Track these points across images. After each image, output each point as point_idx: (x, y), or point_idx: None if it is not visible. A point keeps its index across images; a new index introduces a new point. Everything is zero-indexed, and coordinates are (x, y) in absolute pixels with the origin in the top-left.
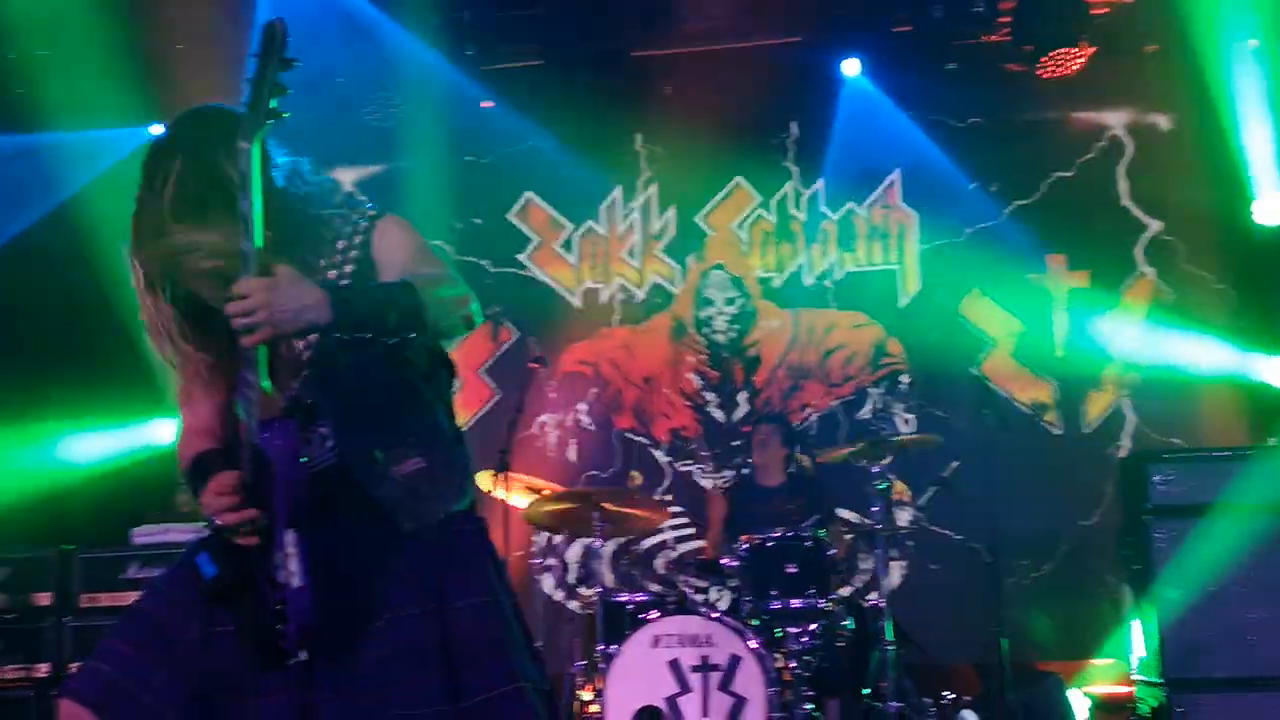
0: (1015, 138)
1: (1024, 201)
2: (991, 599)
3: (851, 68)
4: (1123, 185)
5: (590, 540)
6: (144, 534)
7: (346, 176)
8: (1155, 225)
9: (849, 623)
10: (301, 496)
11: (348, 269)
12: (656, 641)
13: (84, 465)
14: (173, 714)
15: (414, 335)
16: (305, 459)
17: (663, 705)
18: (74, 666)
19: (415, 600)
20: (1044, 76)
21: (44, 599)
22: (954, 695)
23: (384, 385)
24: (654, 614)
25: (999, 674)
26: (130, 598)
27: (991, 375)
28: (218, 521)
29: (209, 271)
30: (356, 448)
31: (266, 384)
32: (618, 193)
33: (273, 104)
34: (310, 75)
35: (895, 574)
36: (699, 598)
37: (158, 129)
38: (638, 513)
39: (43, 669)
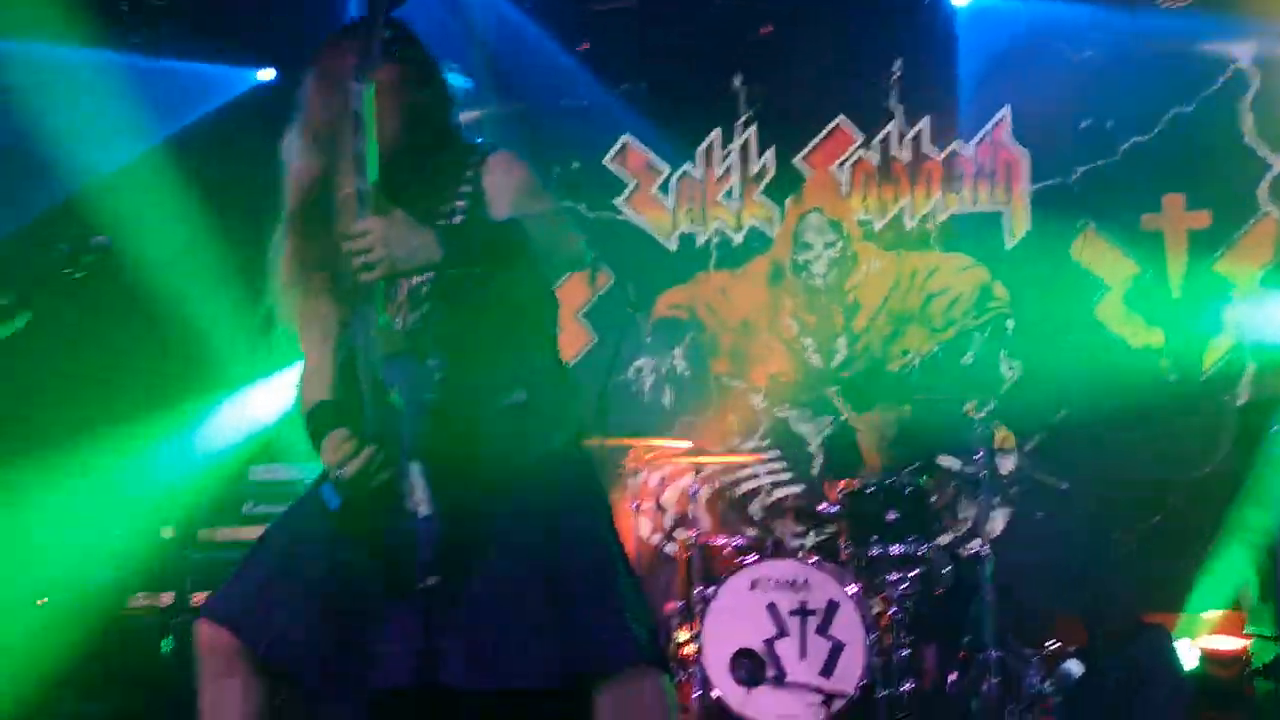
0: (1132, 71)
1: (1140, 138)
2: (1099, 549)
3: None
4: (1247, 121)
5: (687, 483)
6: (261, 472)
7: None
8: None
9: (949, 570)
10: (423, 428)
11: (461, 205)
12: (754, 584)
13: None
14: (303, 636)
15: (522, 272)
16: (428, 394)
17: (760, 648)
18: (197, 596)
19: (521, 535)
20: (1164, 5)
21: (167, 532)
22: (1058, 645)
23: (493, 322)
24: (752, 557)
25: (1104, 625)
26: (247, 533)
27: (1104, 320)
28: (342, 476)
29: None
30: (464, 382)
31: (384, 319)
32: (716, 135)
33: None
34: (405, 20)
35: (998, 521)
36: (796, 543)
37: (266, 73)
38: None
39: (166, 598)
